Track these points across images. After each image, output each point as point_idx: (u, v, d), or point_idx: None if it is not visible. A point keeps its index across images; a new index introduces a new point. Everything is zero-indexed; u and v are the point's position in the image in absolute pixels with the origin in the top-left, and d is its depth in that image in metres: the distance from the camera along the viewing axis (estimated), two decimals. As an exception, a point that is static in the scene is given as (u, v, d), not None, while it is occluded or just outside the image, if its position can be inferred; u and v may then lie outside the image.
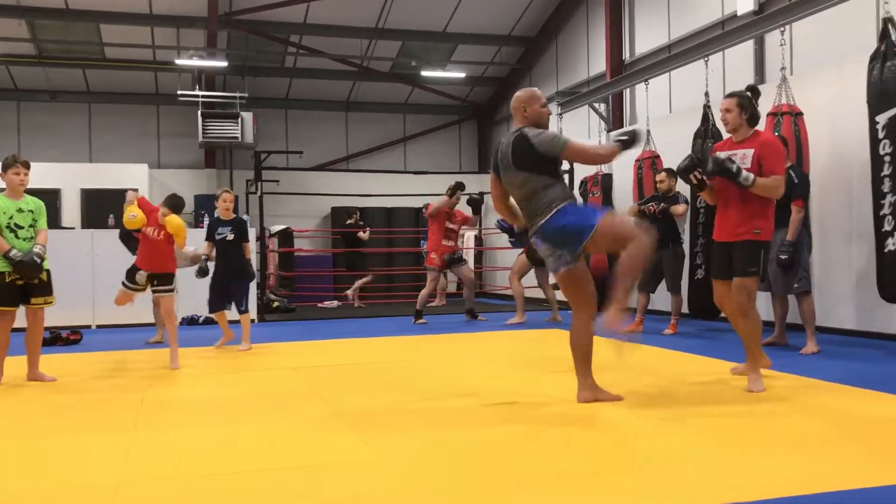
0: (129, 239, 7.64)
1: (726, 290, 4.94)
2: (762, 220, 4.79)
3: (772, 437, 3.62)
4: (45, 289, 5.64)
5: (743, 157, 4.85)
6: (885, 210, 6.07)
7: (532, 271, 9.95)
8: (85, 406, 4.82)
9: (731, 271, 4.85)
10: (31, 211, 5.60)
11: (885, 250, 6.08)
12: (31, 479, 3.19)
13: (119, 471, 3.23)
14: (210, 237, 7.40)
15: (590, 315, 4.63)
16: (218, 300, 7.45)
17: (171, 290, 6.61)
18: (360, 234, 13.07)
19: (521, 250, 9.81)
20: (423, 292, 10.05)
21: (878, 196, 6.14)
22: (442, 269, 10.10)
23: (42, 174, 13.26)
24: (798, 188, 6.36)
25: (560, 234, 4.39)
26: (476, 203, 10.20)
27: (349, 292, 13.14)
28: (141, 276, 6.96)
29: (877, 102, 6.13)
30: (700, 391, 4.89)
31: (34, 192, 5.87)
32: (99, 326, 9.62)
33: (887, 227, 6.05)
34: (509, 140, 4.53)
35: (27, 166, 5.63)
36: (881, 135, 6.09)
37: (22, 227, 5.50)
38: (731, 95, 5.07)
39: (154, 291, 6.74)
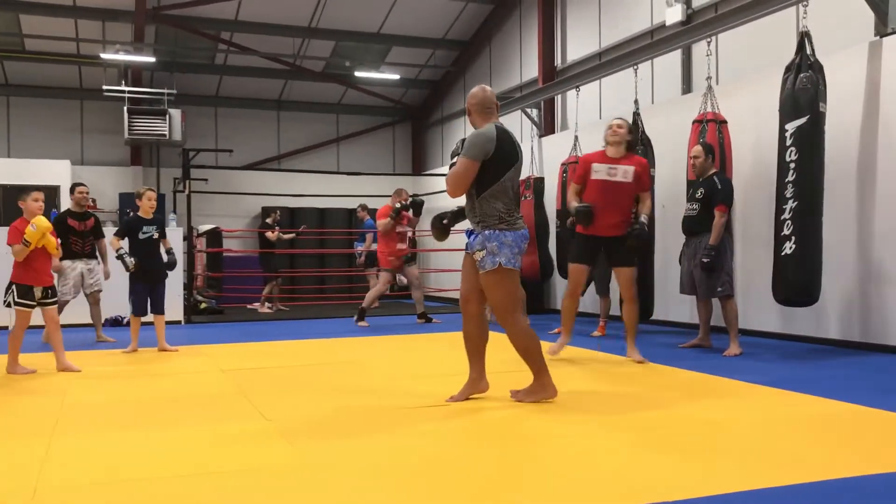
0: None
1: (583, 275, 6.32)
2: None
3: (686, 438, 3.72)
4: None
5: (625, 172, 6.05)
6: (786, 215, 6.32)
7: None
8: (1, 409, 4.64)
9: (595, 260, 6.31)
10: None
11: (782, 254, 6.33)
12: (-60, 487, 3.06)
13: (36, 478, 3.11)
14: (129, 235, 7.21)
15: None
16: (145, 303, 7.23)
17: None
18: (269, 234, 12.64)
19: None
20: (373, 292, 9.94)
21: (780, 201, 6.40)
22: (397, 269, 10.02)
23: (-43, 169, 12.76)
24: (720, 194, 6.55)
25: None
26: (418, 206, 10.16)
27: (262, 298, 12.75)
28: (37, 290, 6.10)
29: (788, 111, 6.38)
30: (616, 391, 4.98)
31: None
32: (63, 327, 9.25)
33: (786, 232, 6.30)
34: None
35: None
36: (788, 142, 6.34)
37: None
38: (623, 119, 6.11)
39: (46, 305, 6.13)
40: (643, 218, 6.17)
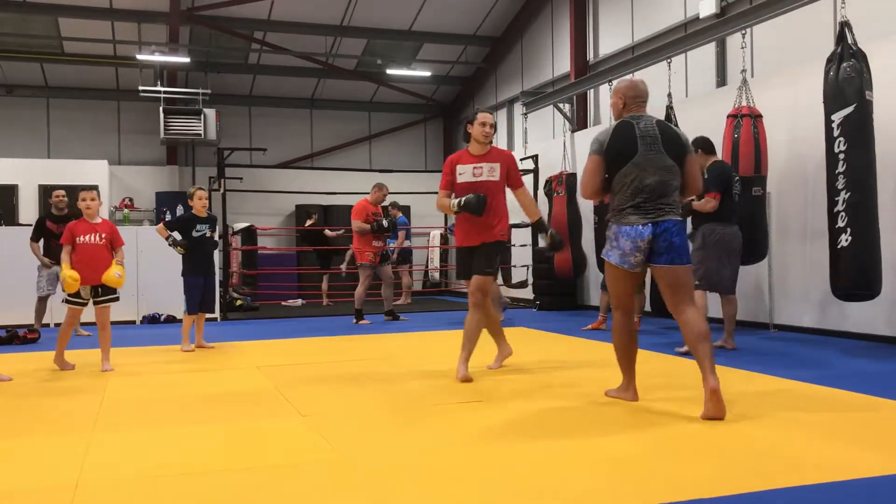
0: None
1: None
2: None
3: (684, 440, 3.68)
4: None
5: (491, 170, 5.41)
6: (839, 207, 6.19)
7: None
8: (43, 406, 4.74)
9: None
10: None
11: (839, 247, 6.20)
12: (-14, 481, 3.13)
13: (77, 473, 3.18)
14: (182, 232, 7.29)
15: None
16: (199, 301, 7.33)
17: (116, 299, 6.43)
18: (328, 232, 12.94)
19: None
20: (360, 289, 9.92)
21: (832, 193, 6.26)
22: (374, 265, 9.99)
23: (-1, 169, 13.04)
24: (711, 182, 6.47)
25: None
26: (387, 227, 10.10)
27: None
28: (85, 289, 6.16)
29: (832, 102, 6.25)
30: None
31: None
32: (57, 325, 9.44)
33: (840, 224, 6.18)
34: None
35: None
36: (836, 133, 6.22)
37: None
38: (489, 111, 5.65)
39: (97, 303, 6.21)
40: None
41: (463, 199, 5.25)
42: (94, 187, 6.52)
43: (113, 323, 6.24)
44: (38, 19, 13.56)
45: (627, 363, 4.46)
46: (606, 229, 4.43)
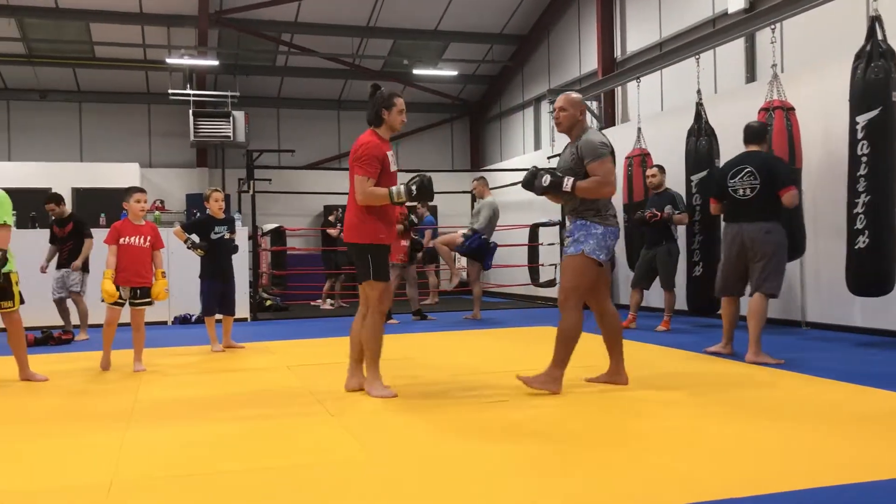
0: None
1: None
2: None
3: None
4: (6, 293, 5.51)
5: (395, 161, 5.01)
6: (858, 209, 6.16)
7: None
8: (77, 406, 4.81)
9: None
10: None
11: (856, 247, 6.17)
12: (23, 480, 3.18)
13: (112, 471, 3.22)
14: (201, 234, 7.31)
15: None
16: (216, 303, 7.36)
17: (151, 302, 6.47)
18: (331, 231, 12.78)
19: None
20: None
21: (852, 194, 6.24)
22: (404, 264, 10.00)
23: (32, 173, 13.28)
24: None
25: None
26: (412, 224, 10.10)
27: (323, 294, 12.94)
28: (124, 290, 6.22)
29: (858, 103, 6.18)
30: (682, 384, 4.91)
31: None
32: (90, 326, 9.58)
33: (859, 226, 6.13)
34: None
35: None
36: (860, 135, 6.15)
37: None
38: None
39: (135, 305, 6.28)
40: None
41: (414, 184, 4.74)
42: (142, 189, 6.57)
43: (145, 324, 6.31)
44: (71, 25, 13.77)
45: (609, 346, 4.97)
46: (577, 227, 4.71)
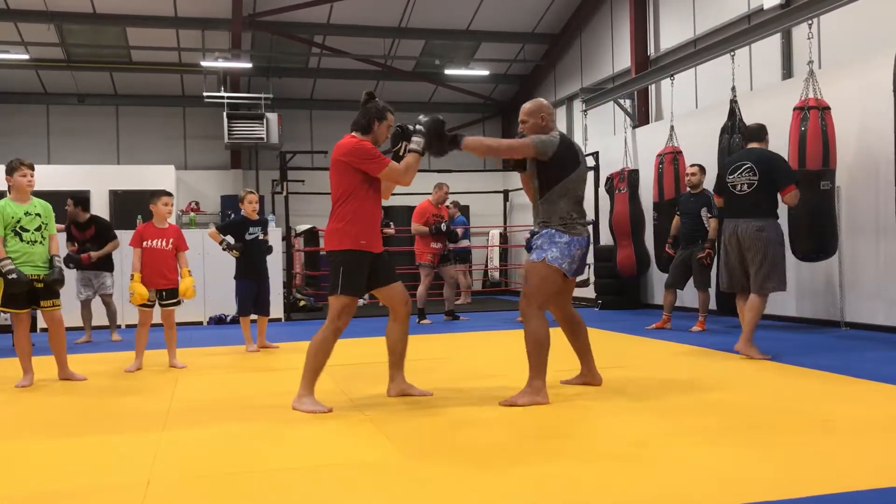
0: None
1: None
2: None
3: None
4: (53, 292, 5.66)
5: None
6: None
7: None
8: (114, 405, 4.88)
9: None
10: (38, 214, 5.61)
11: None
12: (62, 478, 3.24)
13: (149, 469, 3.26)
14: (235, 235, 7.38)
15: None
16: (251, 304, 7.43)
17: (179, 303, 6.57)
18: (384, 230, 12.93)
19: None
20: (421, 290, 9.97)
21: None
22: (434, 266, 10.01)
23: (71, 176, 13.49)
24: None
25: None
26: (453, 234, 10.06)
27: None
28: (151, 292, 6.35)
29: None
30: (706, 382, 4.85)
31: (65, 194, 5.96)
32: (128, 326, 9.73)
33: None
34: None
35: (32, 168, 5.66)
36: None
37: (27, 230, 5.53)
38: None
39: (164, 306, 6.45)
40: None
41: (420, 131, 4.49)
42: (171, 192, 6.71)
43: (180, 324, 6.41)
44: (108, 30, 13.99)
45: (579, 350, 4.92)
46: (541, 235, 4.59)
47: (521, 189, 12.34)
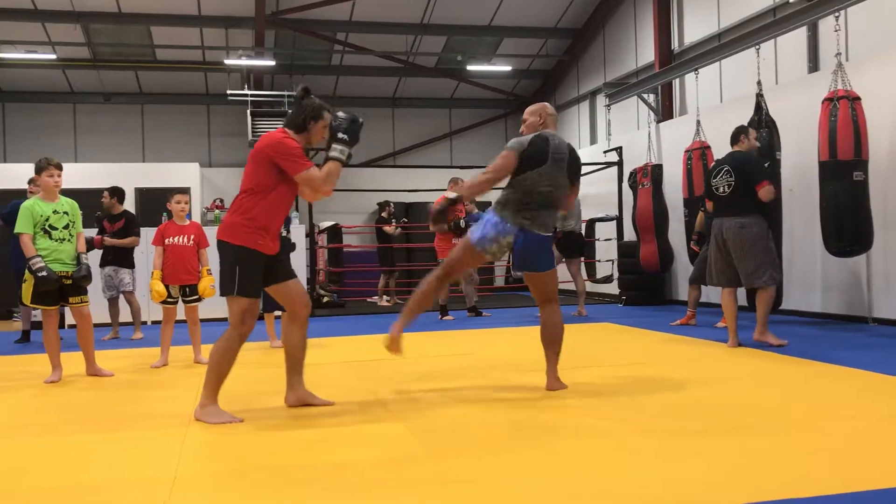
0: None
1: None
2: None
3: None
4: (81, 288, 5.75)
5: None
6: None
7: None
8: (140, 401, 4.93)
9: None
10: (66, 213, 5.70)
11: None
12: (91, 472, 3.27)
13: (175, 465, 3.29)
14: None
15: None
16: (275, 301, 7.44)
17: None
18: (387, 228, 12.87)
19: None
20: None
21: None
22: None
23: (97, 174, 13.60)
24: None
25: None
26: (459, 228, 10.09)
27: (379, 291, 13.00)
28: (174, 288, 6.44)
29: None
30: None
31: (90, 192, 6.03)
32: (153, 322, 9.82)
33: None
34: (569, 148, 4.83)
35: (60, 168, 5.73)
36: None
37: (56, 229, 5.61)
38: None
39: (187, 303, 6.49)
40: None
41: (341, 128, 4.34)
42: (186, 190, 6.78)
43: (206, 320, 6.47)
44: (133, 29, 14.12)
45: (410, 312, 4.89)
46: (487, 214, 4.74)
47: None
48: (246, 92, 14.80)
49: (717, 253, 6.39)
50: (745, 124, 6.81)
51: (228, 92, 14.79)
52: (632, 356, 6.27)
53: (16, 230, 5.55)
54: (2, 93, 15.32)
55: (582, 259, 10.26)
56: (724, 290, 6.43)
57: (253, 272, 4.16)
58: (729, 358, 5.87)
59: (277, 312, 7.51)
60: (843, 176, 6.94)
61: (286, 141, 4.21)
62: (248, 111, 14.64)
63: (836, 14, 7.59)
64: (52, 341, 5.71)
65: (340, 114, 4.29)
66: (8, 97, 15.39)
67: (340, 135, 4.26)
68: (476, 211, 12.88)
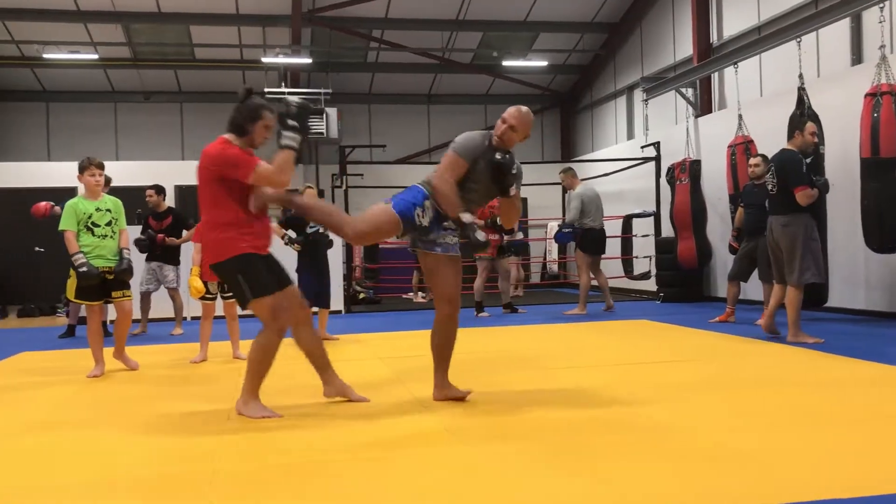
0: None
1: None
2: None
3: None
4: (123, 283, 5.88)
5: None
6: None
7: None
8: (181, 395, 4.99)
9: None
10: (109, 210, 5.82)
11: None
12: (130, 467, 3.32)
13: (213, 461, 3.33)
14: (296, 229, 7.49)
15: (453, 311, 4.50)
16: (312, 296, 7.51)
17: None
18: None
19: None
20: (479, 283, 9.95)
21: None
22: (493, 258, 9.97)
23: (137, 172, 13.82)
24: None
25: None
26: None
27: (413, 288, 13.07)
28: (213, 285, 6.58)
29: None
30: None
31: (130, 190, 6.13)
32: (193, 318, 9.95)
33: None
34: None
35: (101, 167, 5.86)
36: None
37: (98, 226, 5.73)
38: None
39: (225, 299, 6.58)
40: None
41: (291, 113, 4.16)
42: None
43: (242, 316, 6.51)
44: (172, 28, 14.31)
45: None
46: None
47: (582, 179, 12.25)
48: (283, 90, 14.89)
49: (766, 250, 6.63)
50: (802, 117, 6.75)
51: (266, 90, 14.90)
52: (673, 353, 6.21)
53: (60, 227, 5.68)
54: (46, 92, 15.62)
55: (601, 256, 10.15)
56: (775, 285, 6.56)
57: (258, 272, 4.12)
58: (775, 355, 5.79)
59: (315, 309, 7.56)
60: (886, 173, 6.80)
61: (225, 151, 4.12)
62: (285, 109, 14.75)
63: (881, 5, 7.42)
64: (95, 336, 5.82)
65: (292, 99, 4.13)
66: (52, 97, 15.68)
67: (290, 121, 4.09)
68: None
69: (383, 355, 6.44)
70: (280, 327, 4.20)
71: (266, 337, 4.19)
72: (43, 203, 7.90)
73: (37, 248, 12.69)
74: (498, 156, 4.19)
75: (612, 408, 4.13)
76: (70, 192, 7.40)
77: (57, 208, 7.61)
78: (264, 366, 4.21)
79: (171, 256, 8.83)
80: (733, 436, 3.47)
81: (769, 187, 6.48)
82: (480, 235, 4.20)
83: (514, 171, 4.24)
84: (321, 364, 4.51)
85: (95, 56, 14.24)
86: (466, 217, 4.20)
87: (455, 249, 4.39)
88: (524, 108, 4.46)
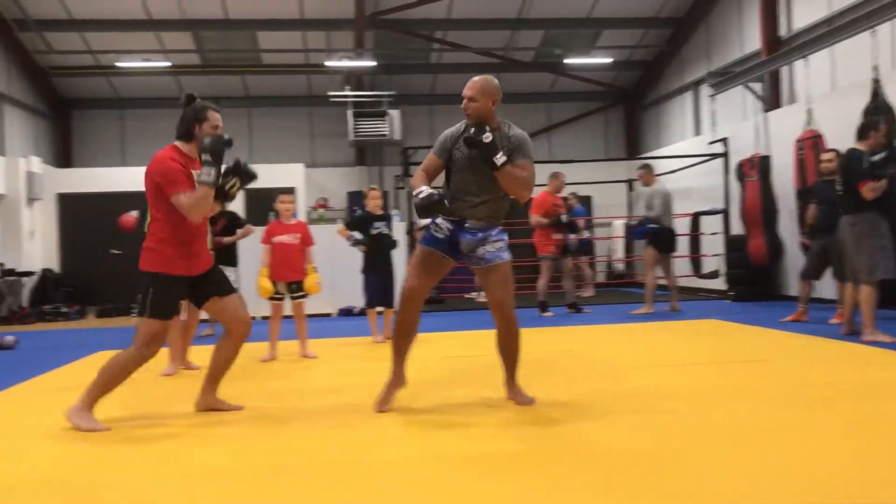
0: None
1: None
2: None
3: None
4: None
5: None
6: None
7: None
8: (250, 392, 5.10)
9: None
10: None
11: None
12: (210, 459, 3.42)
13: (274, 454, 3.40)
14: (361, 230, 7.58)
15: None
16: (379, 296, 7.62)
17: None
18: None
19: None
20: (542, 282, 9.89)
21: None
22: (557, 257, 9.91)
23: (208, 176, 14.22)
24: None
25: None
26: (574, 226, 10.01)
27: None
28: (281, 285, 6.74)
29: None
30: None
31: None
32: (262, 318, 10.15)
33: None
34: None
35: None
36: None
37: None
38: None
39: (294, 298, 6.76)
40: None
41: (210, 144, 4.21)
42: (291, 190, 7.02)
43: (311, 315, 6.68)
44: (239, 34, 14.64)
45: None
46: (500, 233, 4.44)
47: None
48: (347, 93, 15.10)
49: (840, 248, 6.70)
50: (876, 113, 6.64)
51: (330, 93, 15.14)
52: (745, 353, 6.09)
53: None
54: (120, 100, 16.14)
55: (672, 255, 10.00)
56: (848, 284, 6.65)
57: (167, 296, 4.10)
58: (854, 356, 5.64)
59: (380, 308, 7.66)
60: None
61: (167, 163, 4.12)
62: (350, 112, 14.94)
63: (960, -9, 7.15)
64: (175, 337, 5.98)
65: (205, 138, 4.19)
66: (127, 104, 16.20)
67: (205, 156, 4.13)
68: (579, 205, 12.79)
69: (447, 354, 6.49)
70: (147, 354, 4.09)
71: (130, 355, 4.09)
72: (131, 218, 7.98)
73: (113, 251, 13.12)
74: (471, 132, 4.12)
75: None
76: (144, 197, 7.62)
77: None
78: (115, 382, 4.11)
79: (228, 259, 9.00)
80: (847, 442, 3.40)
81: (837, 188, 6.55)
82: (486, 136, 4.08)
83: (486, 140, 4.06)
84: (214, 377, 4.42)
85: (167, 63, 14.66)
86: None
87: (494, 256, 4.34)
88: (477, 77, 4.36)
